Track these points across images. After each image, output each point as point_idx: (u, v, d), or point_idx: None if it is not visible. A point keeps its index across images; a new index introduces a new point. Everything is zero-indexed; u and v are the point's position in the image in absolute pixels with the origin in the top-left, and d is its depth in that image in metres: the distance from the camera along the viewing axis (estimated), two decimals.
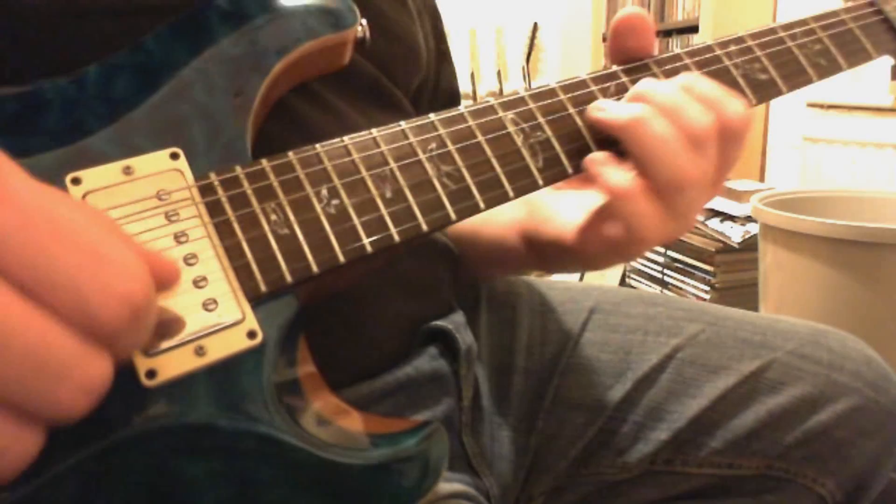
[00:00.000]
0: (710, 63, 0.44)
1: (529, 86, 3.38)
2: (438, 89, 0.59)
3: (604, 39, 3.25)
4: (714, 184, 0.40)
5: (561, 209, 0.46)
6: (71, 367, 0.21)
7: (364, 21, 0.38)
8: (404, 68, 0.51)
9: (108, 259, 0.22)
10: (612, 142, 0.39)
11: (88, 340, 0.22)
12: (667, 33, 2.96)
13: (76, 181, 0.29)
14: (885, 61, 0.54)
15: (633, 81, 0.42)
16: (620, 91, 0.42)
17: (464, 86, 3.36)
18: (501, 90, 3.45)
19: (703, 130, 0.37)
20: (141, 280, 0.23)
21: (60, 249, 0.21)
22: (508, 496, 0.52)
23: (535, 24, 3.47)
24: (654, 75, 0.42)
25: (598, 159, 0.38)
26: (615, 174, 0.37)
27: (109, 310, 0.22)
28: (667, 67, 0.43)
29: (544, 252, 0.47)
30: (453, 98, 0.62)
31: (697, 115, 0.38)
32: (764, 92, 0.45)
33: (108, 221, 0.24)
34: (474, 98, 3.39)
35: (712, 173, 0.39)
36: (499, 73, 3.46)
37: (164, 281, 0.25)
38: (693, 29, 2.69)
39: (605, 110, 0.39)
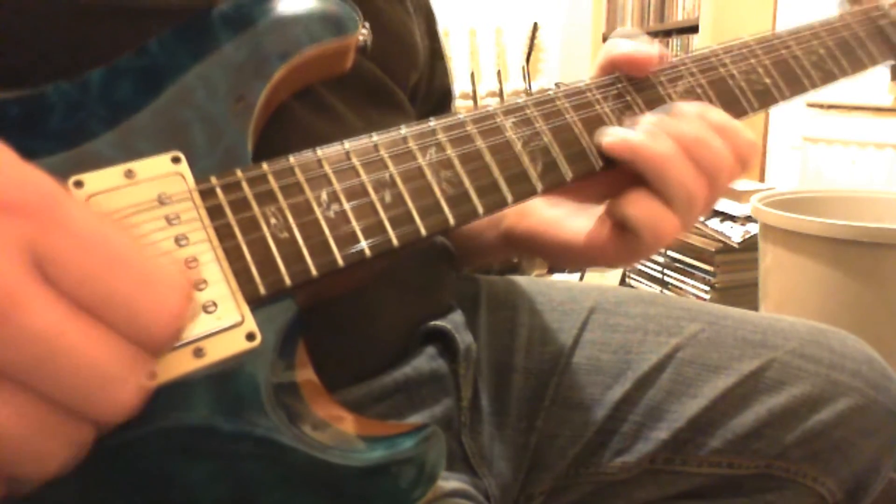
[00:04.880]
0: (712, 68, 0.44)
1: (529, 86, 3.38)
2: (432, 87, 0.59)
3: (604, 39, 3.25)
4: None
5: (564, 215, 0.46)
6: (128, 372, 0.24)
7: (366, 26, 0.38)
8: (403, 66, 0.51)
9: (157, 279, 0.24)
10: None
11: (140, 349, 0.24)
12: (667, 33, 2.96)
13: (78, 184, 0.30)
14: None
15: (635, 88, 0.42)
16: (620, 97, 0.42)
17: (464, 86, 3.36)
18: (501, 90, 3.44)
19: (722, 161, 0.39)
20: (187, 295, 0.25)
21: (114, 271, 0.23)
22: (508, 496, 0.52)
23: (535, 24, 3.47)
24: (660, 83, 0.42)
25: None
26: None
27: (161, 325, 0.24)
28: (669, 73, 0.43)
29: (541, 251, 0.48)
30: (446, 96, 0.62)
31: (719, 148, 0.39)
32: (765, 99, 0.45)
33: (151, 245, 0.27)
34: (474, 98, 3.39)
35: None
36: (499, 73, 3.46)
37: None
38: (693, 29, 2.69)
39: (613, 136, 0.39)
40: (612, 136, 0.39)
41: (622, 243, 0.41)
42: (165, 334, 0.24)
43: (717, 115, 0.40)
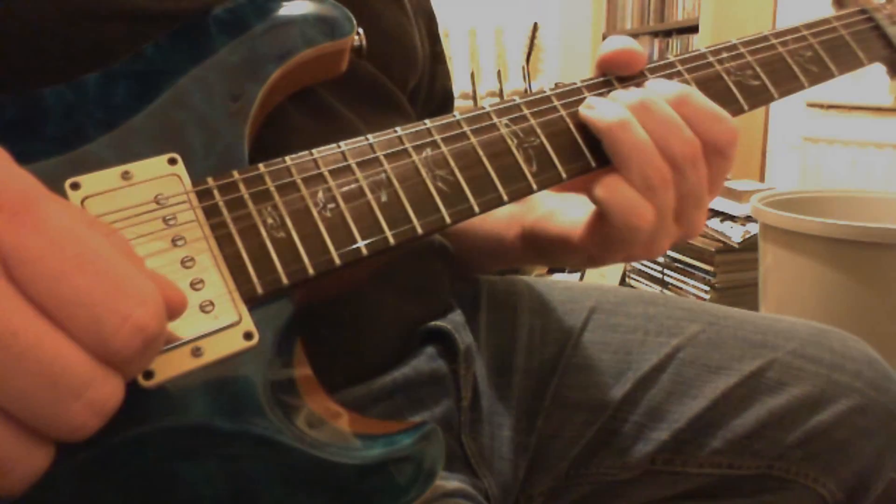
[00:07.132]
0: (702, 70, 0.44)
1: (529, 86, 3.38)
2: (433, 90, 0.59)
3: (604, 39, 3.25)
4: (709, 191, 0.41)
5: (565, 206, 0.46)
6: (83, 386, 0.22)
7: (361, 30, 0.38)
8: (402, 68, 0.51)
9: (127, 289, 0.23)
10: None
11: (101, 363, 0.23)
12: (667, 33, 2.96)
13: (75, 186, 0.30)
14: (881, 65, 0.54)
15: (625, 87, 0.42)
16: None
17: (464, 86, 3.37)
18: (501, 90, 3.44)
19: (686, 152, 0.38)
20: (156, 312, 0.23)
21: (82, 276, 0.22)
22: (508, 496, 0.52)
23: (535, 24, 3.47)
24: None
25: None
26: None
27: (123, 338, 0.22)
28: (660, 75, 0.43)
29: (545, 247, 0.48)
30: (447, 98, 0.62)
31: (683, 137, 0.38)
32: (756, 98, 0.45)
33: (133, 254, 0.25)
34: (474, 98, 3.39)
35: (703, 184, 0.40)
36: (499, 73, 3.47)
37: (173, 312, 0.26)
38: (693, 29, 2.70)
39: (594, 108, 0.39)
40: (587, 108, 0.40)
41: (601, 230, 0.41)
42: (128, 347, 0.23)
43: (699, 100, 0.40)
